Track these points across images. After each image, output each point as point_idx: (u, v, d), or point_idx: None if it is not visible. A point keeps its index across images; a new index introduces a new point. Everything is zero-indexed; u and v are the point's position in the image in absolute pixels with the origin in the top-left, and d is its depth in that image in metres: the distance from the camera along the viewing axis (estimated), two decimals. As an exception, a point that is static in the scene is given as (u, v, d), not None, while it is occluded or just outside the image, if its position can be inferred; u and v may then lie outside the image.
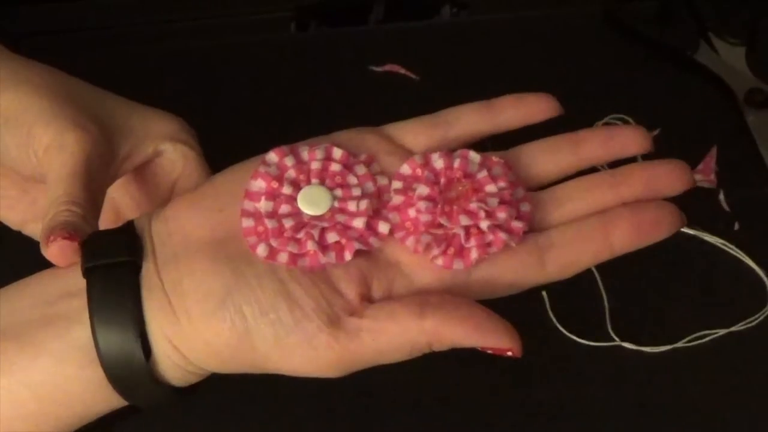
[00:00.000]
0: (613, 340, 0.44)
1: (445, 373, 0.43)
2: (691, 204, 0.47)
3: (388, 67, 0.54)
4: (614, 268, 0.45)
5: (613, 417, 0.42)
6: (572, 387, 0.43)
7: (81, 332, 0.31)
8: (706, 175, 0.49)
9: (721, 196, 0.48)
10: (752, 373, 0.43)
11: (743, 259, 0.46)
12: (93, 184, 0.34)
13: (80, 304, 0.31)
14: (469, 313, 0.31)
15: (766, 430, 0.42)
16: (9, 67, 0.37)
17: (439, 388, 0.43)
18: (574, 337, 0.44)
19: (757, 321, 0.44)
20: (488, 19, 0.58)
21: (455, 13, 0.62)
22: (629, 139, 0.36)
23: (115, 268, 0.32)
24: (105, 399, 0.32)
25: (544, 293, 0.45)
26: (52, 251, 0.32)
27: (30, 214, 0.40)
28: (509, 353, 0.31)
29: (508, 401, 0.43)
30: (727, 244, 0.46)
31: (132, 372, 0.31)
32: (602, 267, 0.45)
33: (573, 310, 0.45)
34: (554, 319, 0.44)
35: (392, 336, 0.31)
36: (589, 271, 0.46)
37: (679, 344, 0.44)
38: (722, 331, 0.44)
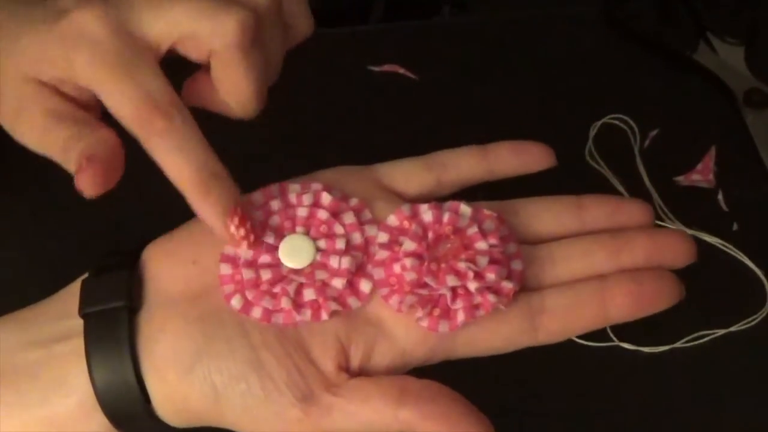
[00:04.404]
0: (612, 341, 0.44)
1: (443, 374, 0.43)
2: (689, 204, 0.47)
3: (387, 67, 0.54)
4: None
5: (612, 417, 0.42)
6: (570, 387, 0.43)
7: (79, 376, 0.30)
8: (704, 175, 0.49)
9: (720, 196, 0.48)
10: (751, 373, 0.43)
11: (742, 260, 0.46)
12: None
13: (77, 346, 0.30)
14: (447, 410, 0.30)
15: (765, 430, 0.42)
16: None
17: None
18: (573, 337, 0.44)
19: (755, 321, 0.44)
20: (488, 19, 0.58)
21: (455, 13, 0.62)
22: (634, 214, 0.35)
23: (109, 314, 0.31)
24: None
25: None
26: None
27: None
28: None
29: (506, 401, 0.43)
30: (726, 244, 0.46)
31: (133, 415, 0.31)
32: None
33: (571, 310, 0.45)
34: (553, 319, 0.44)
35: (365, 420, 0.30)
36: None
37: (678, 344, 0.44)
38: (721, 332, 0.44)
